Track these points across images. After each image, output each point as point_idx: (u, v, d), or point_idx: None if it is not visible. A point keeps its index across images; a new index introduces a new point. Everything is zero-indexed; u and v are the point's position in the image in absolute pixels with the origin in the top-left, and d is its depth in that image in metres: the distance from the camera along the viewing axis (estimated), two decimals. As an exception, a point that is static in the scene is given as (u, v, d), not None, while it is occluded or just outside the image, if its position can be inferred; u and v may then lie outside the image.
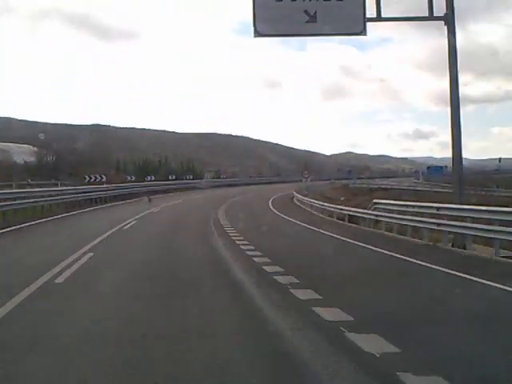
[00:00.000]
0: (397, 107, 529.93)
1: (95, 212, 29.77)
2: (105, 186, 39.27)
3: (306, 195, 34.73)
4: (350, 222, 22.07)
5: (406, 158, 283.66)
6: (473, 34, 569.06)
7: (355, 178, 76.87)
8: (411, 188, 64.17)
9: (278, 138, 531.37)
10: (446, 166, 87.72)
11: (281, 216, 26.47)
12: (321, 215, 26.82)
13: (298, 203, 35.78)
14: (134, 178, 51.30)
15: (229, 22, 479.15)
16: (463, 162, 16.15)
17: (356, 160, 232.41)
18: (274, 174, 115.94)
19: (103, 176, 42.16)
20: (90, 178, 41.38)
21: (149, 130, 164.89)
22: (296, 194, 39.75)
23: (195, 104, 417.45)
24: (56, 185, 40.53)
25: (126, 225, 19.99)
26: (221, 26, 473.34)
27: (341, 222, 22.88)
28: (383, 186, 66.63)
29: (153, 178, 58.60)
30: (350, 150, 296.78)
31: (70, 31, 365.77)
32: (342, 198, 33.13)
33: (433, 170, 79.84)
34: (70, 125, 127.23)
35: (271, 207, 32.78)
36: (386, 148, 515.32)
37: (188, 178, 64.64)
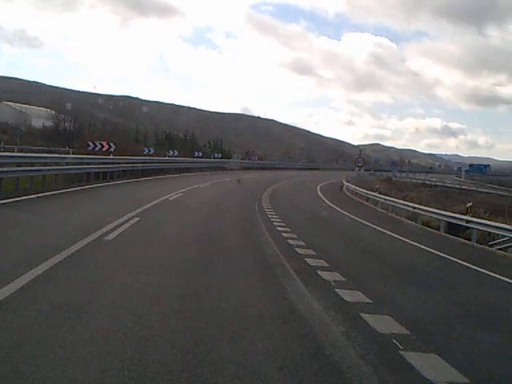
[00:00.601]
0: (427, 102, 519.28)
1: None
2: (111, 157, 30.49)
3: (376, 189, 27.02)
4: (450, 233, 15.56)
5: (432, 154, 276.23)
6: (510, 34, 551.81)
7: (396, 171, 70.25)
8: (457, 186, 57.64)
9: (306, 124, 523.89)
10: (489, 165, 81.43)
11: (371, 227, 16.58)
12: (400, 217, 20.29)
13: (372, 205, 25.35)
14: (152, 151, 42.49)
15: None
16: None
17: (382, 152, 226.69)
18: (306, 159, 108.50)
19: (111, 144, 32.48)
20: (95, 146, 32.02)
21: (173, 104, 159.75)
22: (358, 188, 30.05)
23: (224, 84, 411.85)
24: (67, 152, 34.50)
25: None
26: (258, 5, 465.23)
27: (434, 231, 16.45)
28: (427, 182, 60.15)
29: (200, 154, 52.68)
30: (378, 142, 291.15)
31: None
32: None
33: (475, 168, 73.31)
34: (98, 94, 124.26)
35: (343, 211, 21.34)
36: (412, 142, 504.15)
37: (216, 156, 58.21)
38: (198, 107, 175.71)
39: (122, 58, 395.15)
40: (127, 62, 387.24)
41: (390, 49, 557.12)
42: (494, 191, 55.26)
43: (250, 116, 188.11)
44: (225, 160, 57.14)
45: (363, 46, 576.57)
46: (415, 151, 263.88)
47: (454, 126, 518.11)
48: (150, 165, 36.65)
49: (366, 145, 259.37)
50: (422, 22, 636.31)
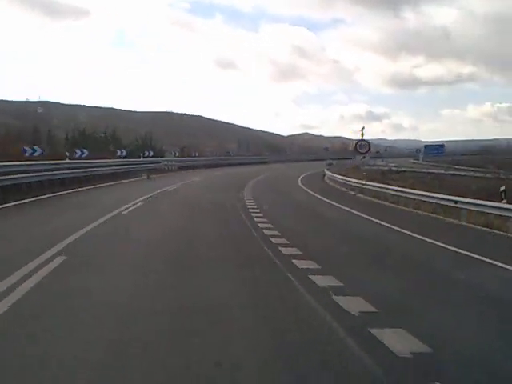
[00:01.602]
0: (350, 89, 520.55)
1: None
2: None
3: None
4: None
5: (362, 140, 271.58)
6: (426, 16, 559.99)
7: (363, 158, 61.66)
8: (424, 170, 48.43)
9: (235, 119, 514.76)
10: (443, 145, 73.60)
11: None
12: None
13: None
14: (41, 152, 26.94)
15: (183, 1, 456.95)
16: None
17: (313, 141, 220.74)
18: (251, 153, 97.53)
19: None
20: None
21: (96, 107, 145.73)
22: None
23: (148, 84, 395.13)
24: None
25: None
26: (175, 4, 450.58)
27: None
28: (394, 168, 51.34)
29: (124, 153, 40.37)
30: (306, 131, 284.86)
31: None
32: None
33: (431, 149, 65.19)
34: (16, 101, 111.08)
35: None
36: (339, 129, 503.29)
37: (147, 154, 45.04)
38: (124, 108, 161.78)
39: (36, 60, 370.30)
40: (40, 65, 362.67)
41: (309, 38, 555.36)
42: (465, 173, 46.41)
43: (176, 114, 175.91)
44: (159, 159, 45.63)
45: (283, 37, 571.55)
46: (345, 137, 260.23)
47: (378, 110, 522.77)
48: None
49: (295, 135, 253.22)
50: (339, 9, 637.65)
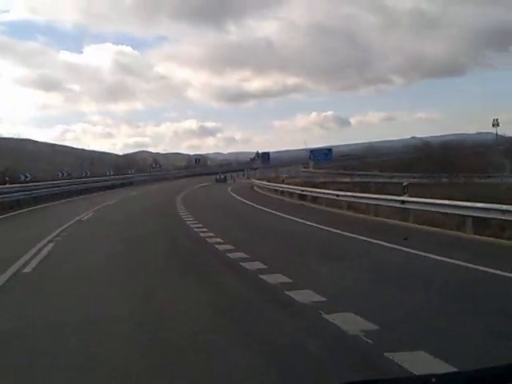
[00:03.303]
0: (180, 105, 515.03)
1: None
2: None
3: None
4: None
5: (199, 154, 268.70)
6: (249, 29, 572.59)
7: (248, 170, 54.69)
8: (329, 180, 43.07)
9: (65, 141, 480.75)
10: (331, 150, 68.12)
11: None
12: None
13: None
14: None
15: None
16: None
17: (152, 158, 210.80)
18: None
19: None
20: None
21: None
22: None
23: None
24: None
25: None
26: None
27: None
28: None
29: None
30: (142, 149, 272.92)
31: None
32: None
33: (319, 154, 59.59)
34: None
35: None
36: (174, 146, 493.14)
37: None
38: None
39: None
40: None
41: (135, 56, 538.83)
42: (372, 179, 41.51)
43: (2, 138, 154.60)
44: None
45: (107, 56, 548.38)
46: (181, 154, 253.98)
47: (210, 125, 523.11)
48: None
49: (132, 153, 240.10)
50: (162, 27, 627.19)
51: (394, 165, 55.95)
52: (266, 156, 57.90)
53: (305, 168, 62.61)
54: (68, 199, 34.02)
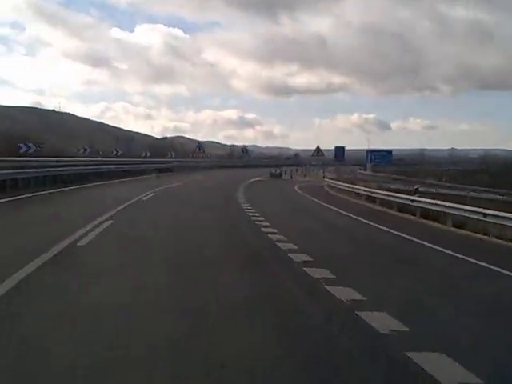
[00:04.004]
0: (224, 94, 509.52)
1: None
2: None
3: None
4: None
5: (234, 145, 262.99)
6: (302, 24, 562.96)
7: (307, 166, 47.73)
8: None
9: (104, 118, 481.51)
10: (391, 152, 60.42)
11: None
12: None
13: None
14: None
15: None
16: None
17: (189, 145, 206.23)
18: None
19: None
20: None
21: None
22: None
23: (14, 78, 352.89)
24: None
25: None
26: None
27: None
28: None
29: None
30: (180, 134, 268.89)
31: None
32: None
33: (378, 156, 51.91)
34: None
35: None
36: (211, 134, 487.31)
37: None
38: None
39: None
40: None
41: (185, 40, 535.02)
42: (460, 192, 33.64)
43: (43, 110, 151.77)
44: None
45: (158, 37, 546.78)
46: (217, 142, 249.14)
47: (250, 116, 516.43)
48: None
49: (170, 137, 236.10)
50: (215, 12, 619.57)
51: (453, 175, 50.09)
52: (340, 151, 50.04)
53: (361, 170, 54.80)
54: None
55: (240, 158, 72.56)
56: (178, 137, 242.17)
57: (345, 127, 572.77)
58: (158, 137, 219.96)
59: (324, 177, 44.65)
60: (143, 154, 52.04)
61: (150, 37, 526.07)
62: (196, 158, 58.97)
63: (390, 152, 53.73)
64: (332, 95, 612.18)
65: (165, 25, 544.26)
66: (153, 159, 52.27)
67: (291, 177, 43.50)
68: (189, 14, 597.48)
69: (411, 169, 61.72)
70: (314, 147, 47.13)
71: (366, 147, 46.30)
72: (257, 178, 39.56)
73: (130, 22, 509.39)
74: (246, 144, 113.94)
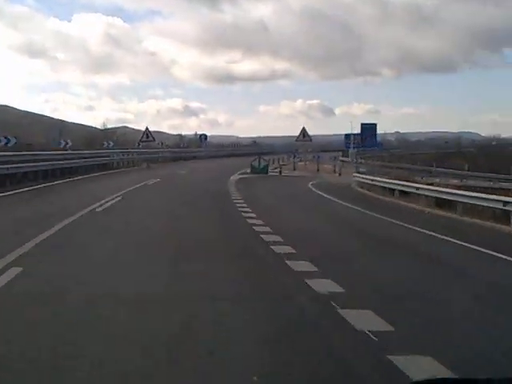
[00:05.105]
0: (166, 83, 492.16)
1: None
2: None
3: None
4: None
5: (180, 134, 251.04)
6: (244, 10, 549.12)
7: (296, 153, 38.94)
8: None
9: (45, 111, 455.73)
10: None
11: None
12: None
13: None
14: None
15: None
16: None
17: (133, 135, 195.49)
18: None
19: None
20: None
21: None
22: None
23: None
24: None
25: None
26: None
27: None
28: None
29: None
30: (124, 125, 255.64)
31: None
32: None
33: (365, 140, 44.10)
34: None
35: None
36: (156, 124, 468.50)
37: None
38: None
39: None
40: None
41: (125, 29, 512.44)
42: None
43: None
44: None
45: (97, 27, 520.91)
46: (163, 132, 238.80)
47: (194, 105, 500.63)
48: None
49: (113, 128, 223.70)
50: (155, 0, 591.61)
51: (426, 159, 45.32)
52: (369, 132, 41.54)
53: (343, 158, 46.28)
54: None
55: (199, 147, 63.15)
56: (122, 127, 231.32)
57: (289, 113, 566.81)
58: (101, 127, 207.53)
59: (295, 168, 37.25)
60: (62, 145, 33.83)
61: (88, 26, 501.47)
62: (141, 146, 45.44)
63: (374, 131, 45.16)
64: (276, 82, 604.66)
65: (103, 14, 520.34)
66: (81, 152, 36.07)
67: (280, 172, 34.83)
68: (128, 3, 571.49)
69: (388, 154, 56.35)
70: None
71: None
72: (237, 175, 31.48)
73: (68, 12, 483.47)
74: (191, 133, 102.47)
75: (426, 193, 17.61)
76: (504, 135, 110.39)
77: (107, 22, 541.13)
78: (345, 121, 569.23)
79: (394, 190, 20.52)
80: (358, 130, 42.61)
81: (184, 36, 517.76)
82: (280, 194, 21.69)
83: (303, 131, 38.66)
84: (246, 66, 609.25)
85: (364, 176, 24.88)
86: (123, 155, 41.14)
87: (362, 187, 24.03)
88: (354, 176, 25.86)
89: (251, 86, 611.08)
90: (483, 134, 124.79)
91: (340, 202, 18.58)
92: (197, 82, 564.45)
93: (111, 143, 42.58)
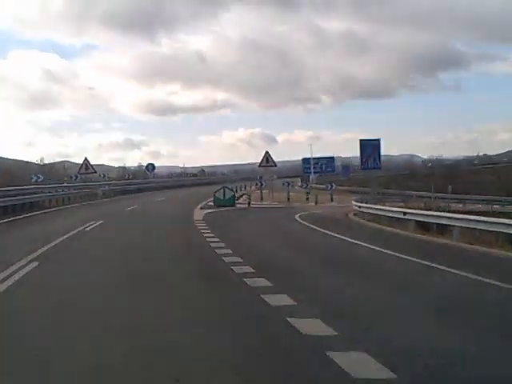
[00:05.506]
0: (106, 117, 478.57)
1: None
2: None
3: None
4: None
5: (123, 167, 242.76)
6: (181, 42, 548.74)
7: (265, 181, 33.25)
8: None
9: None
10: (333, 158, 49.29)
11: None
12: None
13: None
14: None
15: None
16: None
17: (73, 169, 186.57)
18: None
19: None
20: None
21: None
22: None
23: None
24: None
25: None
26: None
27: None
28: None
29: None
30: (66, 159, 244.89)
31: None
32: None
33: (320, 165, 40.56)
34: None
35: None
36: (97, 158, 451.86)
37: None
38: None
39: None
40: None
41: (62, 64, 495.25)
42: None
43: None
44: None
45: (33, 63, 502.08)
46: (106, 165, 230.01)
47: (136, 138, 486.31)
48: None
49: (55, 162, 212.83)
50: (92, 35, 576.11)
51: (384, 182, 43.32)
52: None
53: (302, 184, 42.18)
54: None
55: (145, 179, 56.38)
56: (62, 162, 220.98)
57: (231, 143, 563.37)
58: (40, 163, 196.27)
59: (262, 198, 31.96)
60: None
61: (24, 63, 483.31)
62: (76, 181, 39.05)
63: (331, 158, 42.89)
64: (217, 112, 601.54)
65: (40, 50, 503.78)
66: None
67: (249, 202, 28.75)
68: (64, 38, 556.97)
69: (346, 178, 52.22)
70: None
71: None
72: (200, 211, 25.20)
73: (2, 49, 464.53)
74: (135, 165, 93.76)
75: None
76: (446, 155, 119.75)
77: (44, 58, 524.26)
78: (287, 148, 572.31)
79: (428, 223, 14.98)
80: (317, 154, 40.15)
81: (122, 70, 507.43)
82: (278, 240, 15.09)
83: (267, 155, 33.15)
84: (187, 97, 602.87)
85: (371, 206, 19.38)
86: (57, 191, 34.11)
87: (371, 220, 18.49)
88: (360, 206, 20.24)
89: (193, 116, 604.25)
90: (425, 157, 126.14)
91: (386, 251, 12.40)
92: (137, 115, 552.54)
93: (41, 177, 35.07)
